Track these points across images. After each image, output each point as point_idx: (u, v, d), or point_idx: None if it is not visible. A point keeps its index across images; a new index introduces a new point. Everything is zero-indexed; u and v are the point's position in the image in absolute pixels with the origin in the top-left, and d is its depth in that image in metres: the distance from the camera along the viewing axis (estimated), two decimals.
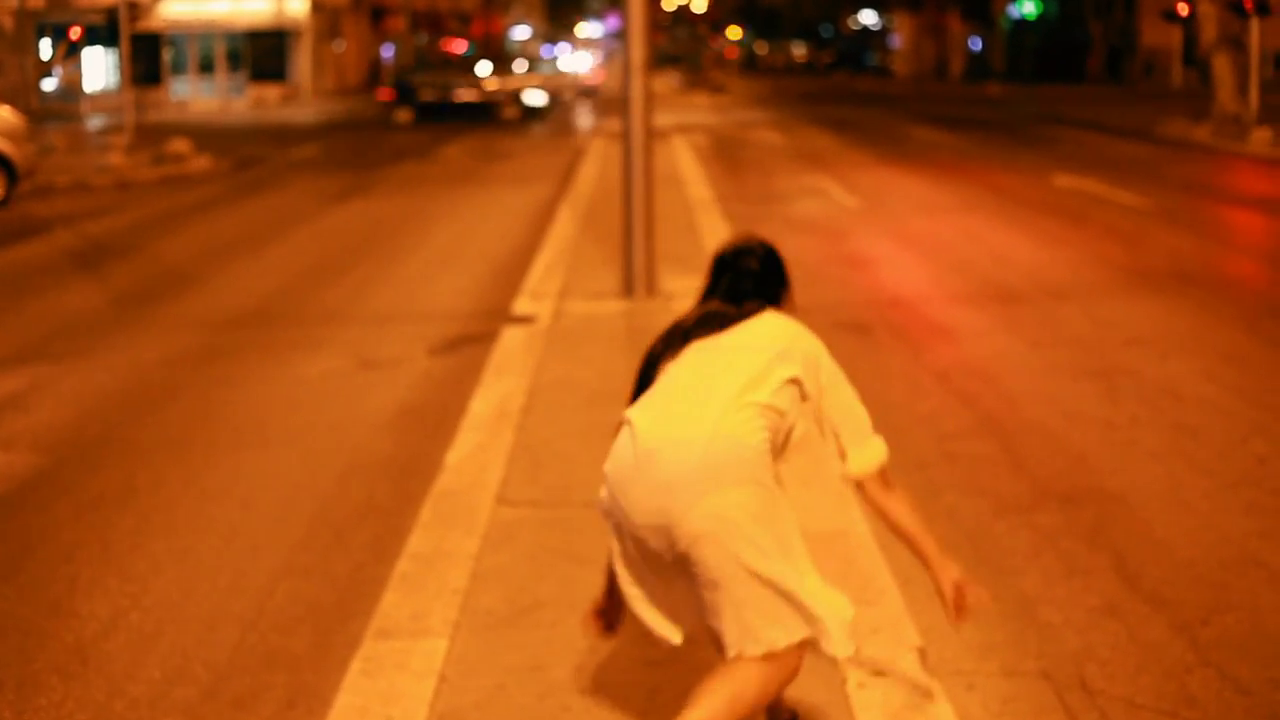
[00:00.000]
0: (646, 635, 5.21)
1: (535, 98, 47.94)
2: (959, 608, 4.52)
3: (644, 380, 4.37)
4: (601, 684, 5.00)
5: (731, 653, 4.11)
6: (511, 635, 5.43)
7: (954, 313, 12.22)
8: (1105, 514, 7.11)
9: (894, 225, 18.09)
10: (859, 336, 11.31)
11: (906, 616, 5.54)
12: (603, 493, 4.27)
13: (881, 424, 8.63)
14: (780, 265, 4.65)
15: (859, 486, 4.59)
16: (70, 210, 22.20)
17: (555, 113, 49.40)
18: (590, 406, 8.67)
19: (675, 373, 4.30)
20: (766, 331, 4.38)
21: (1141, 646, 5.60)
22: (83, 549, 7.00)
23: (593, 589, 5.76)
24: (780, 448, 4.35)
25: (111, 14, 32.21)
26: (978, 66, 78.38)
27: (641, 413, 4.23)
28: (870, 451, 4.59)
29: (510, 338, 10.86)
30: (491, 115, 44.89)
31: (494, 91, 46.34)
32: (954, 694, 5.10)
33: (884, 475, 4.56)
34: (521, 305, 12.19)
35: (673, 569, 4.16)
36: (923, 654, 5.18)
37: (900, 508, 4.55)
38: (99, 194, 24.79)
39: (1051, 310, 12.23)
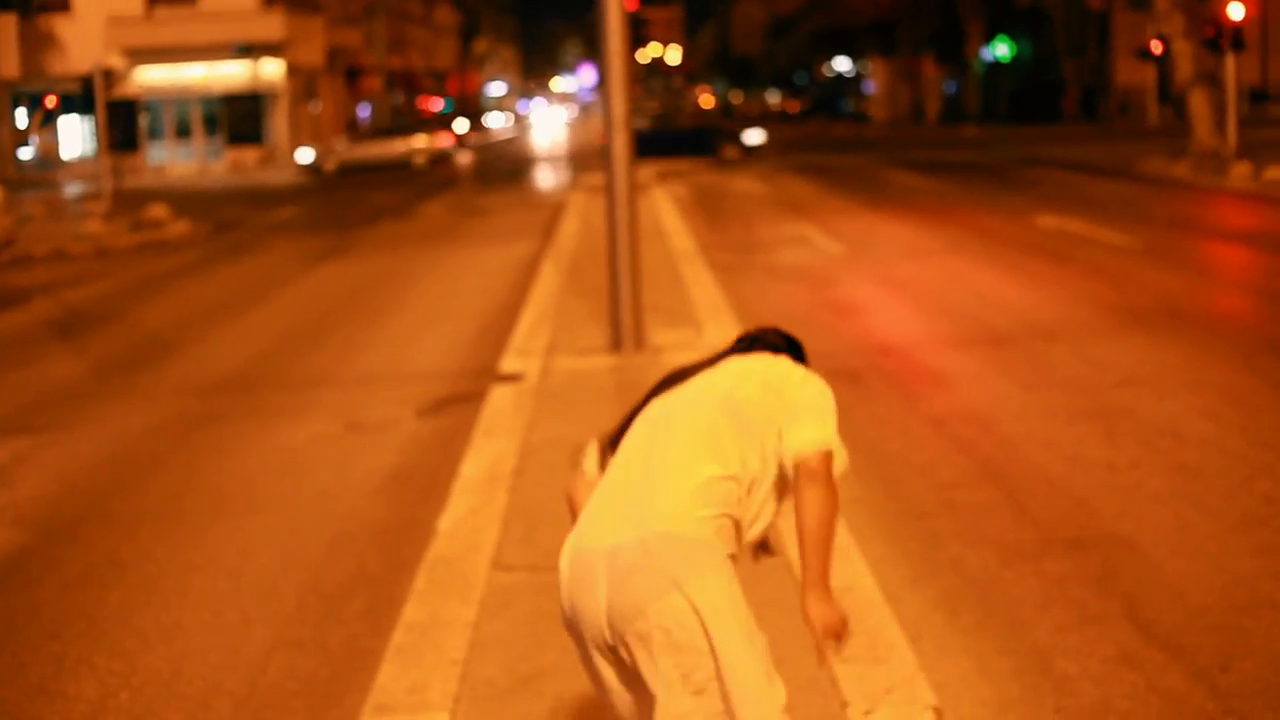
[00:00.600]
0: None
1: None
2: (821, 649, 4.03)
3: (615, 439, 3.98)
4: None
5: None
6: (514, 707, 5.27)
7: (945, 357, 12.09)
8: (1113, 559, 6.97)
9: (879, 270, 17.98)
10: (851, 385, 11.16)
11: (919, 674, 5.38)
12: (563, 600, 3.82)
13: (879, 474, 8.57)
14: (799, 346, 4.19)
15: (795, 477, 3.78)
16: (49, 279, 22.05)
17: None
18: None
19: (625, 446, 3.90)
20: (734, 368, 3.98)
21: (1161, 696, 5.44)
22: (69, 626, 6.83)
23: None
24: (759, 500, 3.85)
25: (87, 82, 32.17)
26: (953, 109, 78.53)
27: (585, 510, 3.84)
28: (816, 433, 3.80)
29: (499, 397, 10.70)
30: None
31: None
32: None
33: (825, 473, 3.77)
34: (509, 363, 12.04)
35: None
36: (939, 714, 5.01)
37: (814, 510, 3.75)
38: (77, 262, 24.65)
39: (1043, 352, 12.10)
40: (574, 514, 3.95)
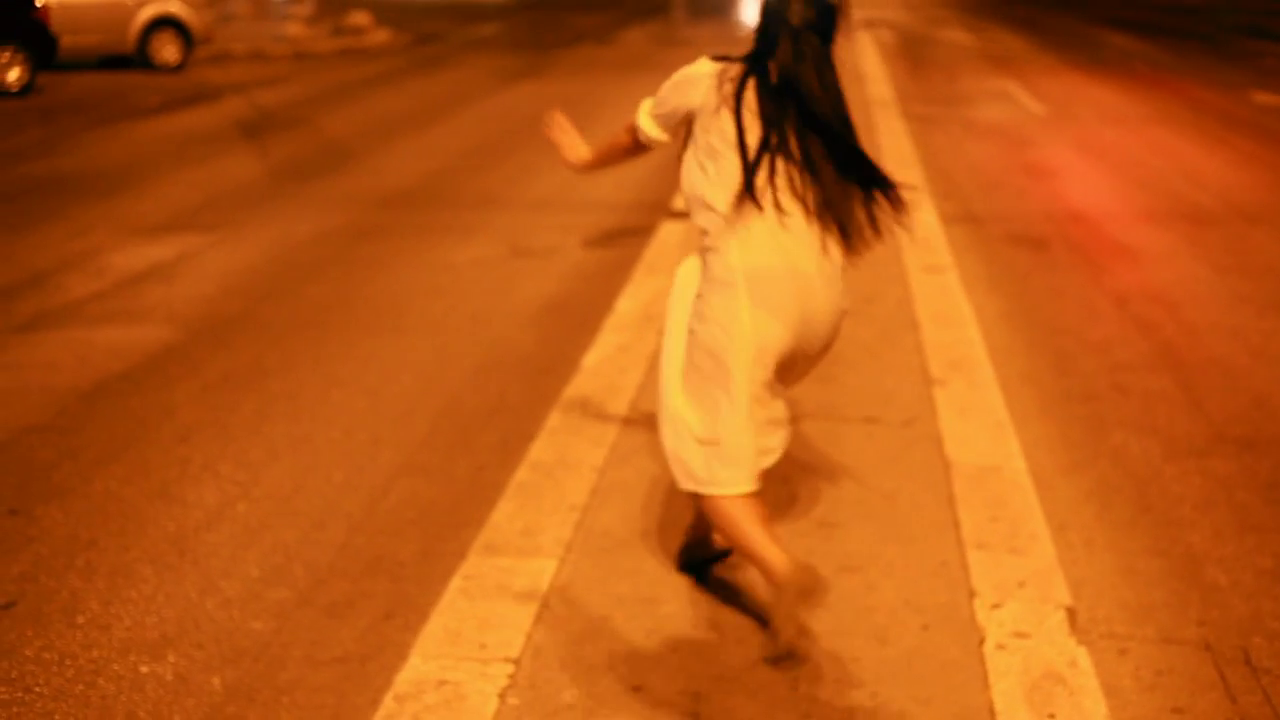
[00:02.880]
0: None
1: None
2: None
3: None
4: (716, 622, 4.59)
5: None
6: (626, 560, 5.04)
7: (1138, 232, 11.53)
8: None
9: (1080, 134, 17.28)
10: (1034, 251, 10.71)
11: (1058, 569, 5.04)
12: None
13: (1050, 349, 8.18)
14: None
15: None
16: (243, 79, 22.14)
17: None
18: None
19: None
20: None
21: None
22: (200, 431, 6.74)
23: None
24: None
25: None
26: None
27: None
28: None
29: (667, 233, 10.43)
30: None
31: None
32: (1104, 660, 4.61)
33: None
34: (682, 200, 11.71)
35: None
36: (1072, 614, 4.69)
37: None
38: (274, 64, 24.73)
39: (1243, 235, 11.49)
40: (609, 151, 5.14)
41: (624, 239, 10.73)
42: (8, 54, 19.77)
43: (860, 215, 4.40)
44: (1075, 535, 5.61)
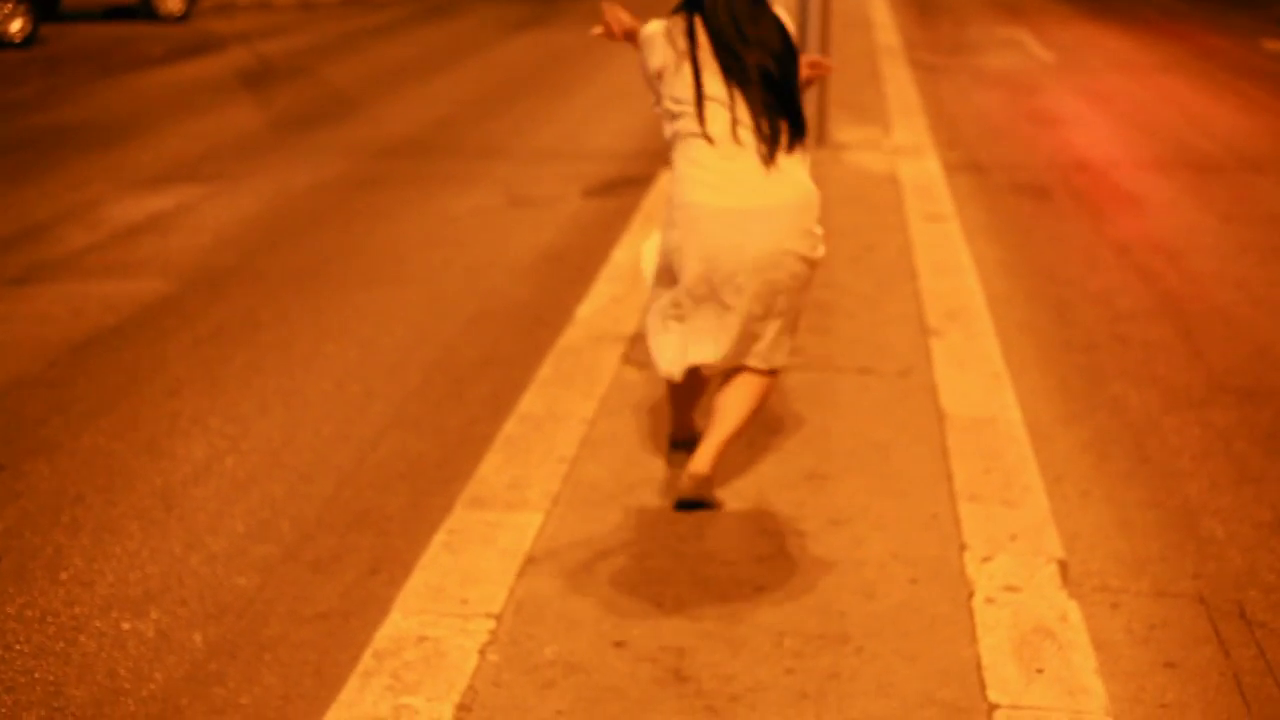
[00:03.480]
0: (757, 530, 4.77)
1: None
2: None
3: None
4: (701, 577, 4.53)
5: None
6: (613, 515, 4.98)
7: (1142, 180, 11.42)
8: None
9: (1088, 83, 17.12)
10: (1038, 200, 10.62)
11: (1050, 521, 4.97)
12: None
13: (1051, 298, 8.12)
14: None
15: None
16: (248, 28, 22.02)
17: None
18: None
19: None
20: None
21: None
22: (191, 384, 6.69)
23: None
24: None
25: None
26: None
27: None
28: None
29: (666, 182, 10.32)
30: None
31: None
32: (1096, 613, 4.56)
33: None
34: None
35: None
36: (1063, 567, 4.62)
37: None
38: (280, 13, 24.59)
39: (1249, 183, 11.37)
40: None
41: (624, 188, 10.64)
42: (10, 4, 19.67)
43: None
44: (1070, 487, 5.56)
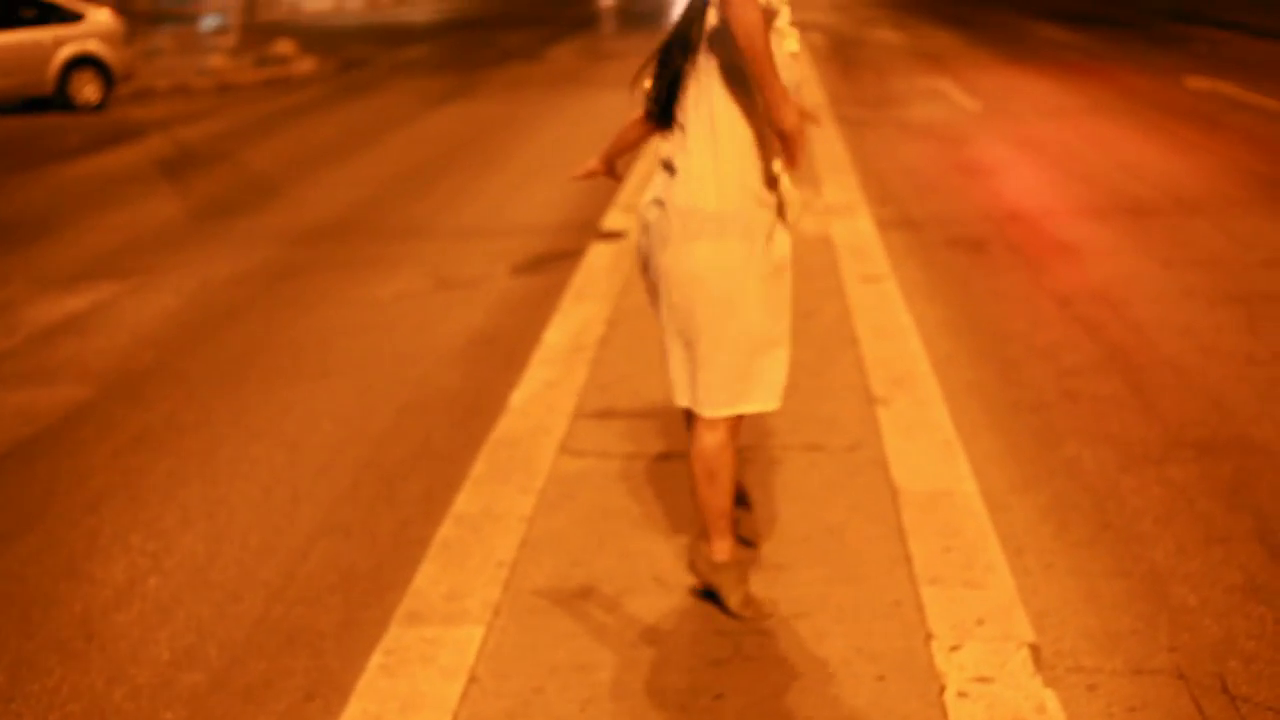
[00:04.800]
0: (713, 630, 4.54)
1: None
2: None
3: None
4: (656, 688, 4.27)
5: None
6: (558, 623, 4.71)
7: (1078, 228, 11.27)
8: (1247, 468, 6.27)
9: (1016, 130, 17.04)
10: (974, 254, 10.45)
11: (1018, 601, 4.75)
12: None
13: (996, 357, 7.90)
14: None
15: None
16: (167, 115, 21.73)
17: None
18: None
19: None
20: None
21: None
22: (110, 498, 6.39)
23: (656, 563, 5.10)
24: None
25: None
26: None
27: None
28: None
29: (596, 255, 10.11)
30: None
31: None
32: (1073, 698, 4.34)
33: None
34: (612, 219, 11.41)
35: None
36: (1035, 651, 4.39)
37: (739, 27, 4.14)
38: (198, 97, 24.32)
39: (1185, 226, 11.25)
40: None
41: (552, 264, 10.41)
42: None
43: None
44: (1033, 560, 5.34)
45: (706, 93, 4.37)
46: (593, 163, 5.21)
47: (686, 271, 4.44)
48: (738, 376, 4.49)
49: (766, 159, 4.42)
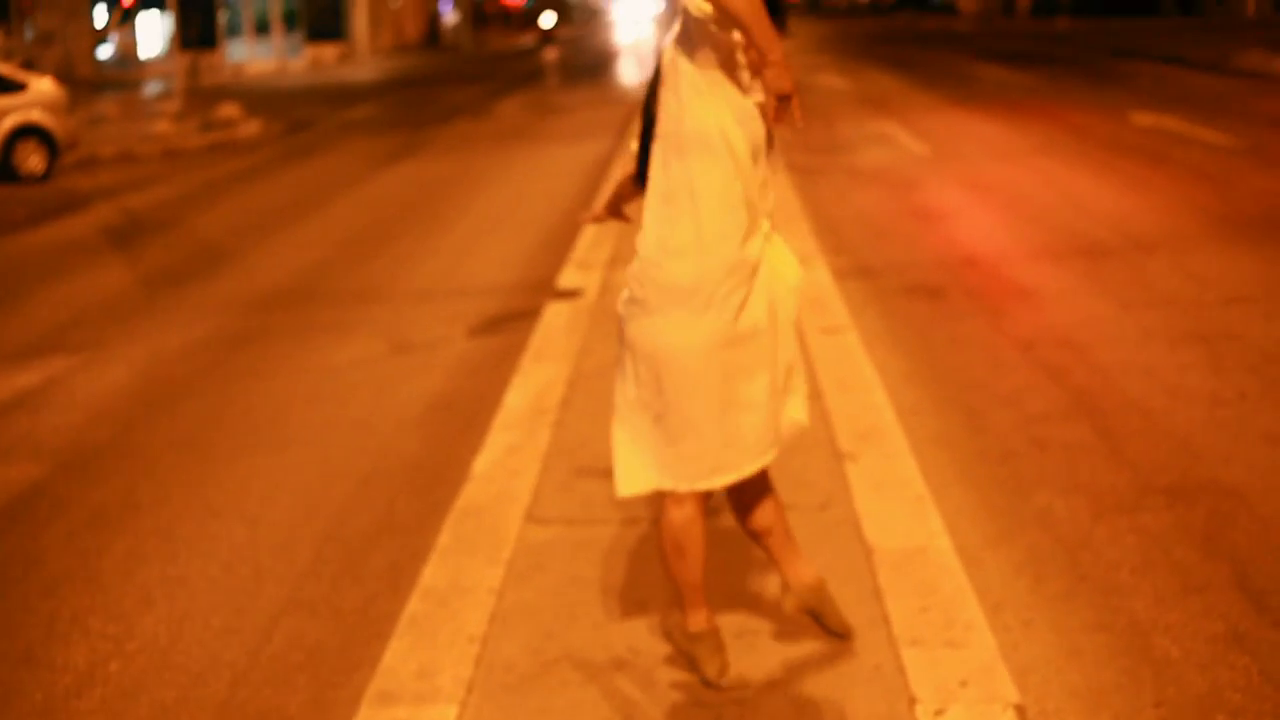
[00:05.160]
0: (692, 702, 4.43)
1: None
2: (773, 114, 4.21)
3: None
4: None
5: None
6: (532, 698, 4.61)
7: (1035, 271, 11.26)
8: (1220, 512, 6.22)
9: (966, 173, 17.08)
10: (932, 301, 10.42)
11: (999, 660, 4.68)
12: None
13: (960, 406, 7.86)
14: None
15: None
16: (112, 183, 21.55)
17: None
18: None
19: None
20: None
21: (1278, 688, 4.72)
22: (68, 580, 6.25)
23: (630, 634, 5.00)
24: None
25: None
26: (1045, 2, 76.45)
27: None
28: None
29: (553, 315, 10.03)
30: None
31: None
32: None
33: None
34: (567, 278, 11.34)
35: None
36: (1021, 713, 4.32)
37: None
38: (144, 164, 24.15)
39: (1141, 265, 11.25)
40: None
41: (509, 324, 10.32)
42: None
43: None
44: (1012, 616, 5.26)
45: (680, 160, 4.28)
46: (599, 211, 5.18)
47: (652, 344, 4.35)
48: (721, 444, 4.41)
49: (753, 219, 4.34)
